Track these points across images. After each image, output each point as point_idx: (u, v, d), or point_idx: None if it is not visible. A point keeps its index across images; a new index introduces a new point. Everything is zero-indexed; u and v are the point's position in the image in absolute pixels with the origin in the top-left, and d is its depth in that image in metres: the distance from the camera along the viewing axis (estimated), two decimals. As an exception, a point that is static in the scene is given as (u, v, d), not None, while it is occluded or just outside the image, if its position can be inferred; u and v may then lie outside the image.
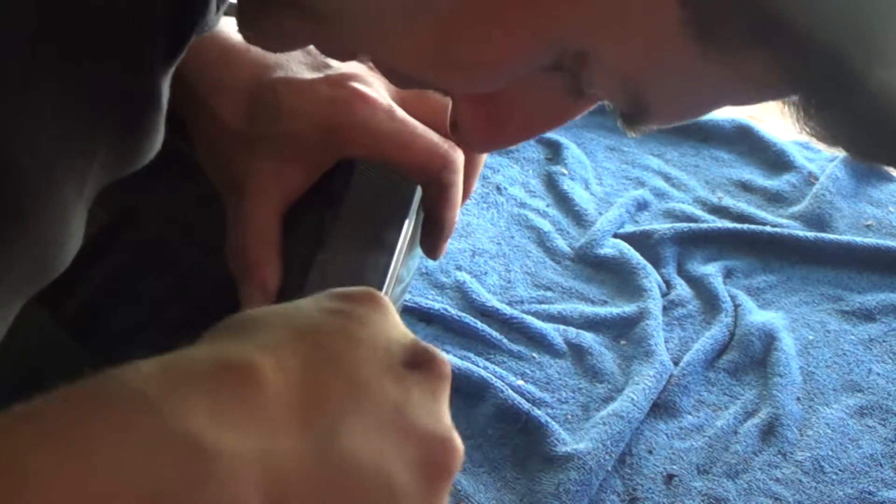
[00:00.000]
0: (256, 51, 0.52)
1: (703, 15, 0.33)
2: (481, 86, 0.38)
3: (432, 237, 0.55)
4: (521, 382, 0.95)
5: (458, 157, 0.52)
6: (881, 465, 0.88)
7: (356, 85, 0.51)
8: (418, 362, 0.40)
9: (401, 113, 0.52)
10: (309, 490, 0.35)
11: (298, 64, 0.53)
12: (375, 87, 0.52)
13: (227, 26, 0.53)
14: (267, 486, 0.34)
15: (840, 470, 0.88)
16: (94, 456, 0.31)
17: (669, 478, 0.87)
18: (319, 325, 0.39)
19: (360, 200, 0.54)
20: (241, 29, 0.42)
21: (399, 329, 0.41)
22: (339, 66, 0.52)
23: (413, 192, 0.54)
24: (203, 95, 0.52)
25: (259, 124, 0.52)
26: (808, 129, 0.36)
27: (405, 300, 1.02)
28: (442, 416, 0.39)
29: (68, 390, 0.32)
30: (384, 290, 0.53)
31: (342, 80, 0.51)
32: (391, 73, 0.41)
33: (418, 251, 0.58)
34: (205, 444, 0.33)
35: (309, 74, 0.52)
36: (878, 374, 0.97)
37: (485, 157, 0.56)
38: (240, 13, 0.41)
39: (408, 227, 0.54)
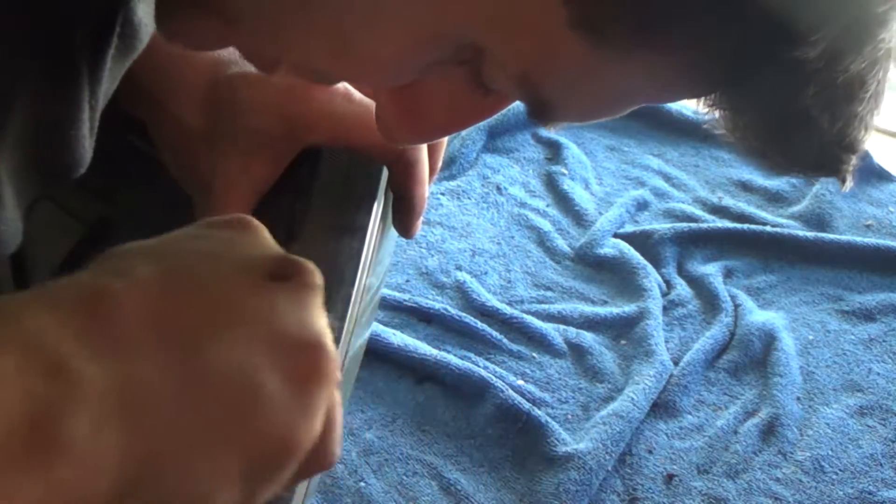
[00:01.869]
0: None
1: (587, 14, 0.34)
2: (388, 79, 0.39)
3: (404, 216, 0.55)
4: (521, 382, 0.95)
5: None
6: (881, 464, 0.88)
7: None
8: (285, 274, 0.40)
9: (358, 95, 0.52)
10: (171, 406, 0.35)
11: None
12: None
13: None
14: (124, 405, 0.34)
15: (840, 470, 0.88)
16: None
17: (669, 478, 0.87)
18: (179, 250, 0.39)
19: (327, 188, 0.54)
20: (158, 27, 0.42)
21: (265, 246, 0.41)
22: None
23: (380, 174, 0.55)
24: (161, 98, 0.52)
25: (220, 122, 0.52)
26: (734, 136, 0.36)
27: (405, 300, 1.02)
28: (310, 323, 0.38)
29: None
30: (360, 273, 0.53)
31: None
32: (312, 73, 0.41)
33: (392, 231, 0.58)
34: (65, 363, 0.33)
35: None
36: (878, 374, 0.97)
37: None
38: (156, 13, 0.41)
39: (377, 209, 0.54)
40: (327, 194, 0.54)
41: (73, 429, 0.33)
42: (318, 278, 0.40)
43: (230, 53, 0.53)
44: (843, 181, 0.37)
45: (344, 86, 0.52)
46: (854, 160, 0.36)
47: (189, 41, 0.42)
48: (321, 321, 0.39)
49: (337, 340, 0.51)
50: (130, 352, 0.35)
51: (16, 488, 0.33)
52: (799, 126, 0.34)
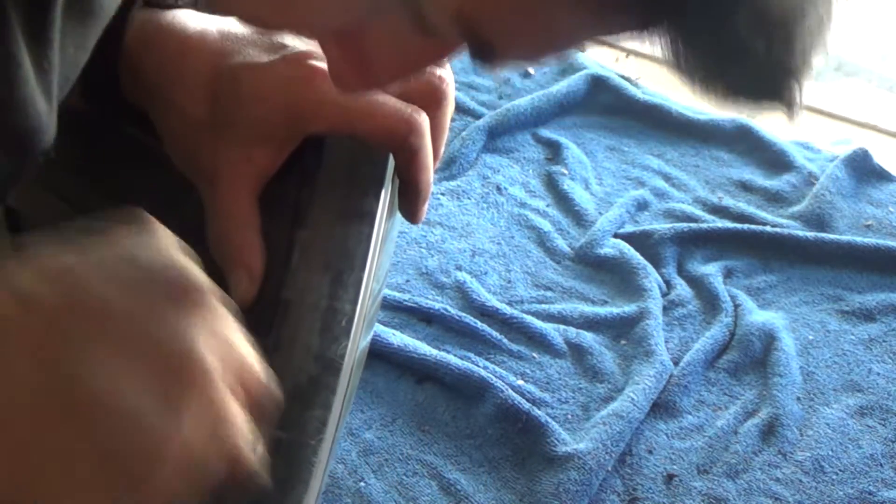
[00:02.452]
0: (213, 39, 0.53)
1: None
2: (328, 24, 0.40)
3: (411, 202, 0.55)
4: (521, 382, 0.95)
5: (423, 120, 0.53)
6: (881, 465, 0.88)
7: (314, 62, 0.51)
8: (171, 279, 0.39)
9: None
10: (33, 422, 0.35)
11: (256, 48, 0.53)
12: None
13: (184, 18, 0.53)
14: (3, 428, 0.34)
15: (840, 470, 0.88)
16: None
17: (669, 478, 0.87)
18: (66, 257, 0.38)
19: (333, 174, 0.54)
20: None
21: (159, 248, 0.40)
22: (295, 46, 0.52)
23: (386, 160, 0.55)
24: (165, 90, 0.52)
25: (223, 112, 0.52)
26: (678, 68, 0.36)
27: (405, 300, 1.02)
28: (186, 330, 0.37)
29: None
30: (369, 258, 0.53)
31: (300, 58, 0.52)
32: (251, 20, 0.43)
33: (398, 217, 0.58)
34: None
35: (266, 57, 0.52)
36: (878, 374, 0.97)
37: (449, 118, 0.57)
38: None
39: (385, 196, 0.54)
40: (334, 181, 0.54)
41: None
42: (199, 284, 0.39)
43: (234, 43, 0.53)
44: (790, 107, 0.36)
45: None
46: (797, 89, 0.35)
47: None
48: (201, 331, 0.38)
49: (349, 325, 0.51)
50: (7, 368, 0.35)
51: None
52: (734, 52, 0.34)
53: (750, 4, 0.32)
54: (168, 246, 0.40)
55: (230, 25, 0.54)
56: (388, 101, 0.52)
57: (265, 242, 0.54)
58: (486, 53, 0.38)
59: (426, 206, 0.56)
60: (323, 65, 0.51)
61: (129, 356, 0.36)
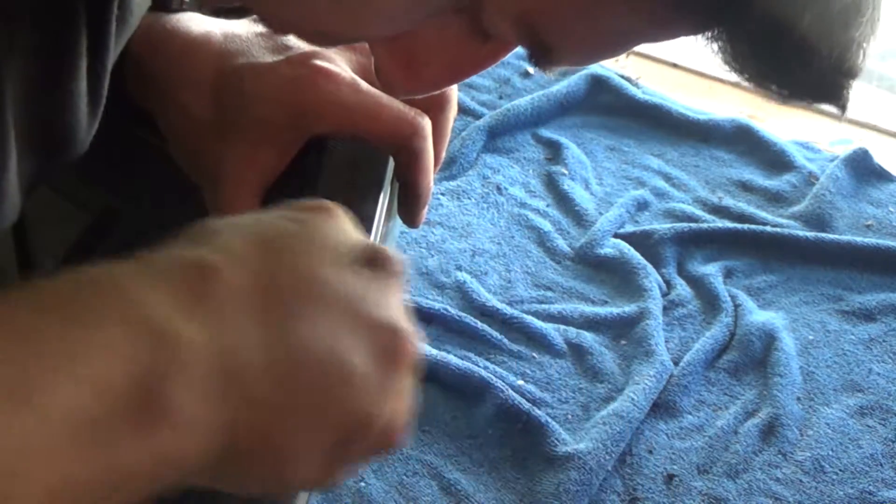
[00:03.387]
0: (218, 41, 0.53)
1: None
2: (385, 29, 0.40)
3: (410, 205, 0.56)
4: (521, 382, 0.95)
5: (426, 123, 0.53)
6: (881, 465, 0.88)
7: (318, 62, 0.52)
8: (373, 261, 0.42)
9: (364, 85, 0.52)
10: (267, 378, 0.37)
11: (260, 49, 0.53)
12: (337, 62, 0.53)
13: (188, 20, 0.53)
14: (225, 375, 0.36)
15: (840, 470, 0.88)
16: (79, 344, 0.33)
17: (670, 478, 0.87)
18: (275, 229, 0.41)
19: (334, 177, 0.54)
20: None
21: (353, 233, 0.43)
22: (299, 47, 0.53)
23: (386, 164, 0.55)
24: (170, 90, 0.53)
25: (227, 112, 0.52)
26: (733, 67, 0.37)
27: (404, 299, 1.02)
28: (395, 308, 0.41)
29: (41, 286, 0.34)
30: None
31: (303, 59, 0.52)
32: (315, 35, 0.42)
33: (397, 220, 0.58)
34: (170, 332, 0.35)
35: (270, 58, 0.53)
36: (879, 374, 0.97)
37: (452, 122, 0.58)
38: None
39: (384, 199, 0.54)
40: (334, 183, 0.54)
41: (176, 395, 0.34)
42: (402, 267, 0.43)
43: (238, 44, 0.53)
44: (843, 108, 0.38)
45: (351, 76, 0.52)
46: (852, 86, 0.37)
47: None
48: (404, 309, 0.42)
49: None
50: (231, 323, 0.36)
51: (120, 451, 0.33)
52: (797, 54, 0.35)
53: (815, 8, 0.33)
54: (355, 231, 0.43)
55: (234, 27, 0.54)
56: (392, 103, 0.52)
57: None
58: (544, 56, 0.39)
59: (426, 211, 0.56)
60: (326, 64, 0.52)
61: (346, 326, 0.39)
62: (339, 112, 0.52)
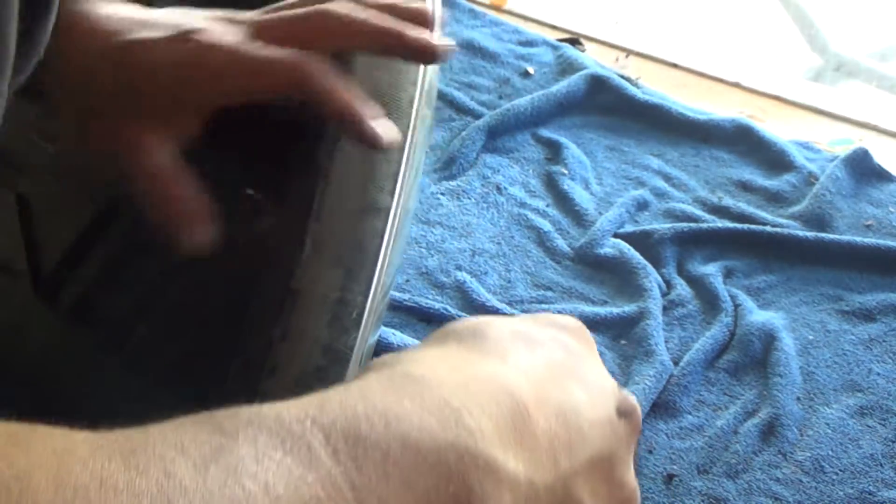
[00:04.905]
0: (115, 21, 0.54)
1: None
2: None
3: (359, 127, 0.53)
4: (521, 382, 0.94)
5: (311, 60, 0.53)
6: (881, 465, 0.88)
7: (198, 38, 0.53)
8: (624, 411, 0.46)
9: (249, 47, 0.53)
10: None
11: (152, 28, 0.54)
12: (218, 34, 0.54)
13: (91, 5, 0.54)
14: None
15: (840, 470, 0.87)
16: (414, 462, 0.36)
17: (669, 478, 0.87)
18: (555, 359, 0.45)
19: (348, 168, 0.54)
20: None
21: (601, 366, 0.47)
22: (184, 24, 0.54)
23: (401, 156, 0.55)
24: (62, 65, 0.53)
25: (124, 87, 0.53)
26: None
27: (405, 300, 1.02)
28: (632, 474, 0.45)
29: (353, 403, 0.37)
30: (382, 253, 0.53)
31: (185, 35, 0.53)
32: None
33: (411, 213, 0.58)
34: (495, 462, 0.37)
35: (156, 34, 0.54)
36: (879, 374, 0.97)
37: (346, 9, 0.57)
38: None
39: (400, 192, 0.54)
40: (348, 175, 0.54)
41: None
42: (640, 419, 0.47)
43: (132, 24, 0.54)
44: None
45: (234, 42, 0.53)
46: None
47: None
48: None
49: (360, 317, 0.52)
50: (536, 465, 0.39)
51: None
52: None
53: None
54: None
55: (136, 11, 0.55)
56: (277, 53, 0.52)
57: (277, 234, 0.54)
58: None
59: (379, 122, 0.53)
60: (207, 37, 0.53)
61: (604, 481, 0.43)
62: (224, 79, 0.53)
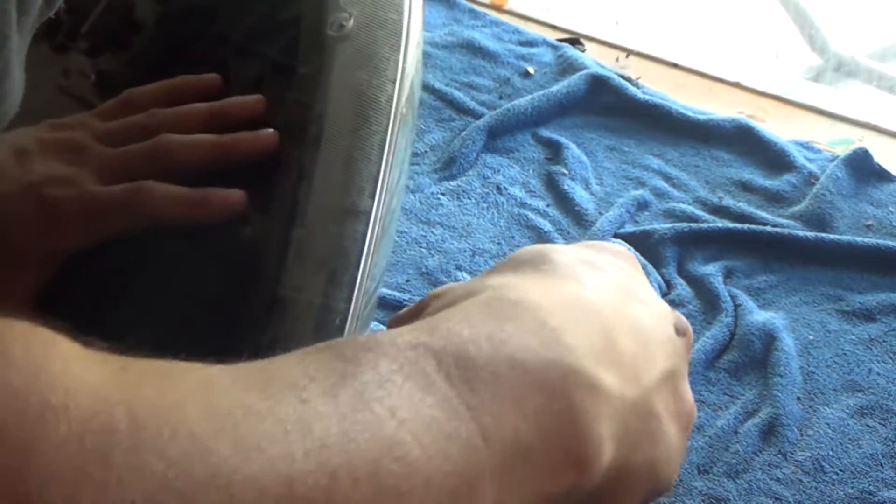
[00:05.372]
0: None
1: None
2: None
3: (214, 213, 0.57)
4: (521, 382, 0.94)
5: (147, 184, 0.56)
6: (881, 465, 0.88)
7: (44, 192, 0.55)
8: (681, 330, 0.50)
9: (89, 189, 0.56)
10: (634, 428, 0.43)
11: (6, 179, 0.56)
12: (61, 181, 0.56)
13: None
14: (623, 425, 0.41)
15: (840, 470, 0.87)
16: (520, 382, 0.38)
17: (670, 478, 0.87)
18: (619, 282, 0.48)
19: (330, 171, 0.54)
20: None
21: (653, 290, 0.51)
22: (25, 177, 0.56)
23: (381, 158, 0.55)
24: None
25: None
26: None
27: (405, 300, 1.02)
28: (688, 389, 0.49)
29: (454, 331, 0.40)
30: (364, 257, 0.53)
31: (29, 190, 0.55)
32: None
33: (397, 214, 0.58)
34: (598, 381, 0.40)
35: (14, 187, 0.56)
36: (879, 374, 0.97)
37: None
38: None
39: (381, 194, 0.54)
40: (330, 178, 0.54)
41: (596, 429, 0.40)
42: (692, 336, 0.52)
43: None
44: None
45: (74, 192, 0.56)
46: None
47: None
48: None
49: (343, 323, 0.52)
50: (624, 378, 0.42)
51: (546, 481, 0.38)
52: None
53: None
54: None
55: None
56: (109, 193, 0.55)
57: (261, 238, 0.55)
58: None
59: (212, 197, 0.57)
60: (56, 193, 0.55)
61: (670, 395, 0.46)
62: (77, 226, 0.55)
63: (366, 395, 0.34)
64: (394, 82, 0.56)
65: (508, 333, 0.39)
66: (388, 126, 0.55)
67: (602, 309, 0.44)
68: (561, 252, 0.49)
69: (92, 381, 0.30)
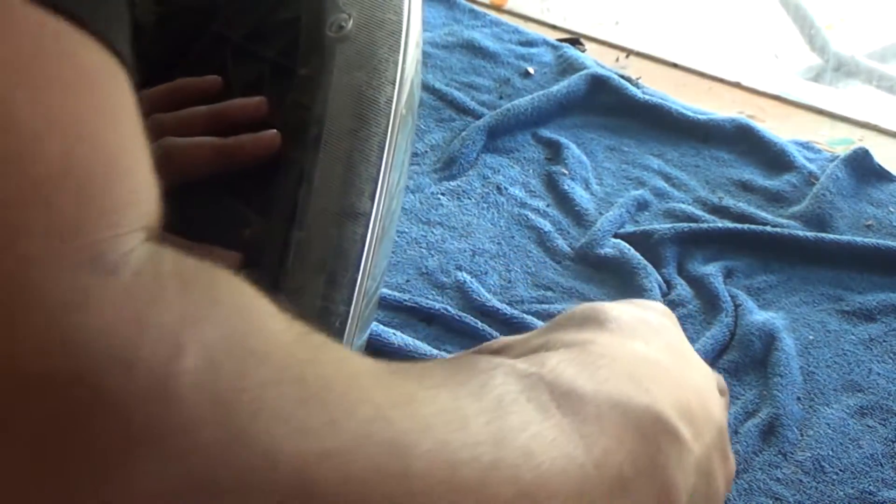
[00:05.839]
0: None
1: None
2: None
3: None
4: (521, 382, 0.94)
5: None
6: (882, 465, 0.88)
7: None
8: (721, 390, 0.52)
9: None
10: (699, 484, 0.44)
11: None
12: None
13: None
14: (691, 480, 0.43)
15: (840, 470, 0.87)
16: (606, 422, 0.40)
17: (670, 478, 0.87)
18: (673, 343, 0.50)
19: (330, 173, 0.54)
20: None
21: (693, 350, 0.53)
22: None
23: (380, 160, 0.55)
24: None
25: None
26: None
27: (405, 299, 1.02)
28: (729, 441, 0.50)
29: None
30: (363, 259, 0.53)
31: None
32: None
33: (396, 216, 0.58)
34: (673, 427, 0.42)
35: None
36: (879, 374, 0.97)
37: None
38: None
39: (380, 195, 0.54)
40: (329, 180, 0.54)
41: (678, 478, 0.41)
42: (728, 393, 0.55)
43: None
44: None
45: None
46: None
47: None
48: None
49: (343, 325, 0.52)
50: (696, 435, 0.44)
51: None
52: None
53: None
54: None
55: None
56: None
57: (260, 240, 0.55)
58: None
59: (246, 142, 0.58)
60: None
61: (719, 456, 0.48)
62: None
63: (503, 405, 0.37)
64: (393, 83, 0.56)
65: (605, 378, 0.41)
66: (387, 127, 0.55)
67: (669, 368, 0.46)
68: (618, 310, 0.50)
69: (285, 339, 0.32)
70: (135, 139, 0.32)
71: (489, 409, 0.36)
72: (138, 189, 0.31)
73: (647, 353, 0.46)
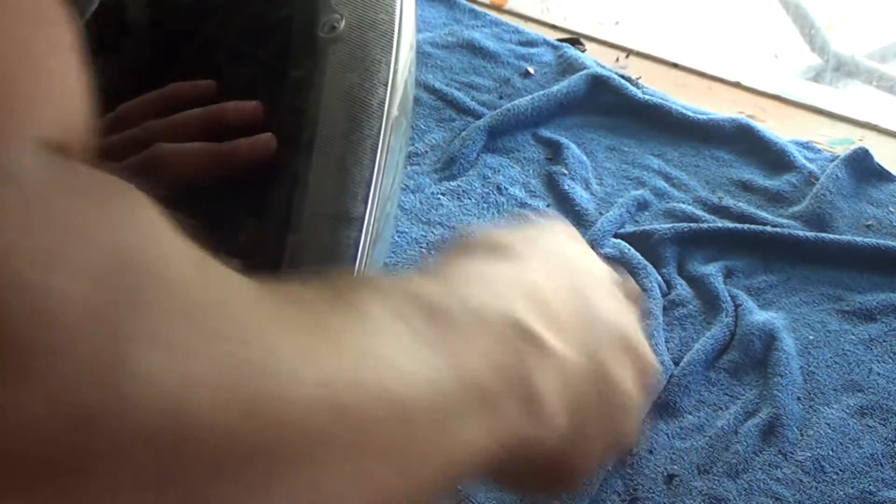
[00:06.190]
0: None
1: None
2: None
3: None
4: (521, 382, 0.94)
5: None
6: (882, 465, 0.88)
7: None
8: (628, 294, 0.55)
9: None
10: (584, 390, 0.45)
11: None
12: None
13: None
14: (566, 382, 0.43)
15: (841, 470, 0.87)
16: (473, 329, 0.40)
17: (670, 478, 0.87)
18: (551, 246, 0.53)
19: (323, 177, 0.54)
20: None
21: (602, 262, 0.56)
22: None
23: (373, 163, 0.55)
24: None
25: None
26: None
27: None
28: (646, 343, 0.51)
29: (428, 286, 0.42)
30: (357, 262, 0.53)
31: None
32: None
33: (393, 217, 0.58)
34: (540, 338, 0.42)
35: None
36: (879, 374, 0.97)
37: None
38: None
39: (373, 199, 0.54)
40: (323, 184, 0.54)
41: (544, 387, 0.41)
42: (638, 294, 0.54)
43: None
44: None
45: None
46: None
47: None
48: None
49: None
50: (568, 342, 0.45)
51: (500, 424, 0.39)
52: None
53: None
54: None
55: None
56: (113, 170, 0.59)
57: (255, 243, 0.55)
58: None
59: (241, 147, 0.58)
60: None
61: (620, 352, 0.49)
62: None
63: (368, 320, 0.37)
64: (385, 85, 0.55)
65: (468, 293, 0.42)
66: (380, 130, 0.54)
67: (537, 279, 0.47)
68: (497, 233, 0.51)
69: (177, 260, 0.32)
70: (57, 46, 0.31)
71: (355, 324, 0.36)
72: (48, 97, 0.30)
73: (518, 270, 0.47)
